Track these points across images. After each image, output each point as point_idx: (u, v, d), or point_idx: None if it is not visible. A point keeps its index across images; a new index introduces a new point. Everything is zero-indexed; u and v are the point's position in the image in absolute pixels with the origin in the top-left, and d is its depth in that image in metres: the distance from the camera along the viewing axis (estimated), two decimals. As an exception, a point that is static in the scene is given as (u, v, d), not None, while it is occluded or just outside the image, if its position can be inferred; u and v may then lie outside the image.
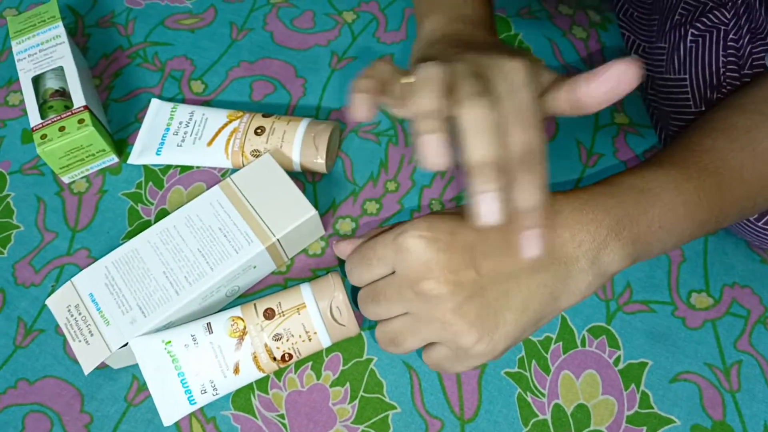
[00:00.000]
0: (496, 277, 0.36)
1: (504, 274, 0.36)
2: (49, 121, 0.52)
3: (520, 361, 0.45)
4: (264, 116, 0.53)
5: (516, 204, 0.34)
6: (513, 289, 0.37)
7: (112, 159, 0.55)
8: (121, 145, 0.56)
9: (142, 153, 0.55)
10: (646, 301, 0.47)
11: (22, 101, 0.59)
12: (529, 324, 0.37)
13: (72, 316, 0.46)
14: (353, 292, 0.48)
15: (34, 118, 0.52)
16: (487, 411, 0.44)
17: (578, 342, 0.46)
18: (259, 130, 0.53)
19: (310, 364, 0.46)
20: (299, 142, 0.52)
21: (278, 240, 0.47)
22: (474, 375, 0.45)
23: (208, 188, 0.53)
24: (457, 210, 0.40)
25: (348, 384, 0.46)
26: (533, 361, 0.45)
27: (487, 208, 0.33)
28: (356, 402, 0.45)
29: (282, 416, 0.45)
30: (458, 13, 0.44)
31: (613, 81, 0.34)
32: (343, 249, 0.45)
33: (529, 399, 0.44)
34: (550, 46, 0.59)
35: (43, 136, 0.51)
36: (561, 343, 0.46)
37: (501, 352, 0.37)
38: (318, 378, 0.46)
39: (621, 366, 0.45)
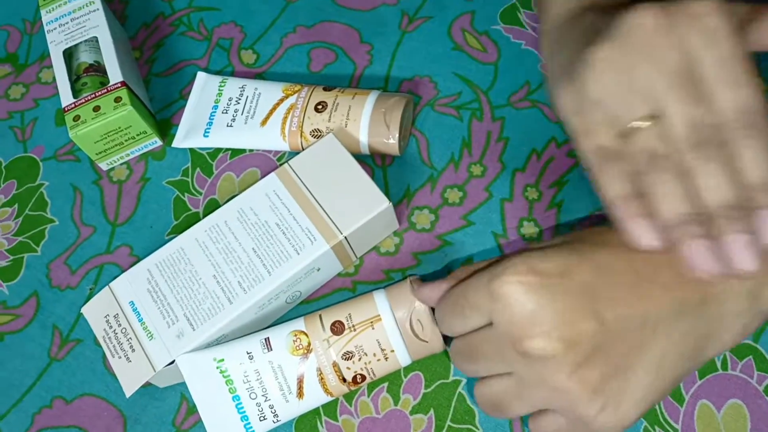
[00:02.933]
0: (624, 326, 0.28)
1: (636, 323, 0.28)
2: (83, 101, 0.45)
3: (645, 388, 0.37)
4: (325, 90, 0.46)
5: (741, 178, 0.27)
6: (647, 341, 0.28)
7: (155, 142, 0.48)
8: (165, 126, 0.49)
9: (188, 135, 0.48)
10: (802, 313, 0.38)
11: (55, 78, 0.52)
12: (666, 385, 0.29)
13: (111, 327, 0.40)
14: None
15: (65, 97, 0.46)
16: (605, 449, 0.36)
17: (718, 364, 0.37)
18: (320, 107, 0.45)
19: (385, 385, 0.39)
20: (367, 120, 0.44)
21: (346, 237, 0.40)
22: (587, 404, 0.37)
23: (262, 175, 0.46)
24: (563, 240, 0.31)
25: (432, 411, 0.38)
26: (662, 388, 0.37)
27: (646, 231, 0.29)
28: (443, 433, 0.38)
29: (354, 448, 0.38)
30: None
31: None
32: (428, 296, 0.36)
33: (658, 436, 0.36)
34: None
35: (76, 118, 0.45)
36: (696, 365, 0.37)
37: (632, 422, 0.29)
38: (396, 403, 0.39)
39: (774, 395, 0.36)
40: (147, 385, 0.40)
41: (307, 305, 0.42)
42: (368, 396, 0.39)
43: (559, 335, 0.27)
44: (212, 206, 0.45)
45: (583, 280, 0.28)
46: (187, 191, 0.47)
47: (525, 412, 0.31)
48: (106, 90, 0.46)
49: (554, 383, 0.28)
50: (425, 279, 0.40)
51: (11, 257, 0.46)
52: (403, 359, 0.38)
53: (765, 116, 0.27)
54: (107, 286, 0.41)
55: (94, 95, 0.45)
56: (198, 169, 0.47)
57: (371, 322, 0.37)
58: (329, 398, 0.38)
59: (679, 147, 0.27)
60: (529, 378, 0.29)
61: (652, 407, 0.29)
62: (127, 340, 0.39)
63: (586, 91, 0.29)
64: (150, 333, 0.39)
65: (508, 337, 0.29)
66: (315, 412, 0.39)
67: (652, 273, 0.28)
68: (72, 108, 0.45)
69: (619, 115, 0.28)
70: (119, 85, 0.46)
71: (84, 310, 0.41)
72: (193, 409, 0.40)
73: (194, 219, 0.45)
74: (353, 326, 0.37)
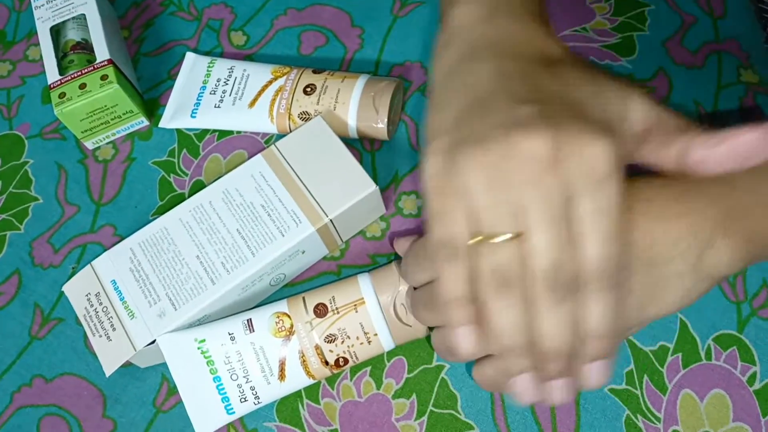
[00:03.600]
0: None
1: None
2: (69, 78, 0.45)
3: (629, 376, 0.37)
4: (314, 72, 0.45)
5: (583, 325, 0.27)
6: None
7: (142, 122, 0.48)
8: (152, 105, 0.49)
9: (175, 115, 0.47)
10: (787, 304, 0.38)
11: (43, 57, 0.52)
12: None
13: (92, 306, 0.39)
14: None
15: (52, 74, 0.45)
16: (586, 437, 0.36)
17: (702, 354, 0.37)
18: (308, 89, 0.44)
19: (368, 369, 0.39)
20: (356, 103, 0.43)
21: (331, 221, 0.39)
22: (570, 391, 0.37)
23: (249, 157, 0.45)
24: None
25: (414, 396, 0.38)
26: (645, 377, 0.37)
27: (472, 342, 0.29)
28: (425, 418, 0.37)
29: (335, 431, 0.38)
30: None
31: (745, 149, 0.26)
32: (402, 246, 0.38)
33: (640, 424, 0.36)
34: (659, -13, 0.48)
35: (62, 95, 0.44)
36: (680, 354, 0.37)
37: None
38: (378, 387, 0.38)
39: (757, 386, 0.36)
40: (128, 365, 0.40)
41: (291, 288, 0.42)
42: (351, 380, 0.39)
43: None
44: (198, 187, 0.45)
45: None
46: (173, 172, 0.46)
47: (474, 356, 0.31)
48: (92, 68, 0.45)
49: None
50: (411, 264, 0.40)
51: (-7, 235, 0.46)
52: (386, 343, 0.37)
53: (616, 275, 0.26)
54: (89, 265, 0.40)
55: (80, 73, 0.45)
56: (184, 150, 0.47)
57: (355, 305, 0.37)
58: (311, 381, 0.38)
59: (535, 280, 0.26)
60: None
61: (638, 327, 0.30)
62: (108, 319, 0.39)
63: (463, 176, 0.26)
64: (131, 312, 0.38)
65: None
66: (297, 395, 0.39)
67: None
68: (58, 85, 0.45)
69: (484, 218, 0.26)
70: (106, 63, 0.45)
71: (65, 288, 0.40)
72: (173, 390, 0.40)
73: (179, 200, 0.45)
74: (336, 309, 0.37)
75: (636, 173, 0.29)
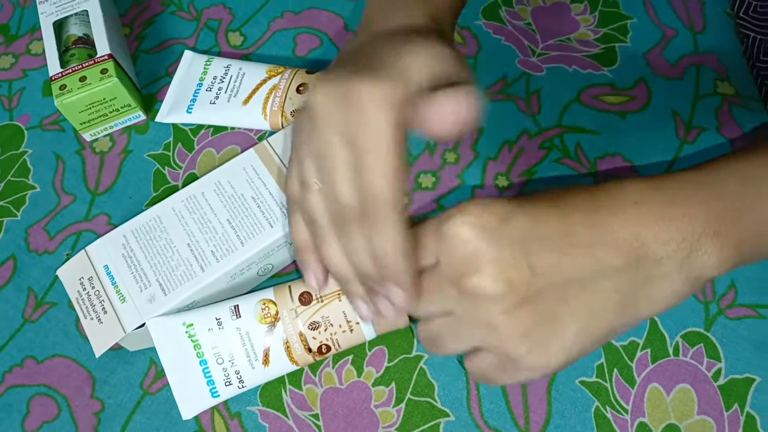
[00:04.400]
0: (555, 278, 0.30)
1: (565, 276, 0.30)
2: (70, 71, 0.46)
3: (599, 369, 0.38)
4: (308, 72, 0.47)
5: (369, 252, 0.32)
6: (576, 294, 0.30)
7: (139, 116, 0.49)
8: (150, 101, 0.50)
9: (172, 110, 0.49)
10: (753, 305, 0.39)
11: (45, 50, 0.53)
12: (594, 337, 0.30)
13: (84, 290, 0.40)
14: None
15: (53, 66, 0.47)
16: (557, 426, 0.37)
17: (670, 350, 0.38)
18: (301, 88, 0.46)
19: (350, 357, 0.40)
20: (347, 103, 0.45)
21: (319, 213, 0.41)
22: (543, 383, 0.38)
23: (242, 152, 0.47)
24: (522, 196, 0.33)
25: (393, 384, 0.39)
26: (615, 370, 0.38)
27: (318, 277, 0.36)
28: (402, 405, 0.39)
29: (316, 416, 0.39)
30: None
31: (448, 109, 0.30)
32: None
33: (608, 415, 0.37)
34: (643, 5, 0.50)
35: (63, 87, 0.46)
36: (649, 350, 0.38)
37: (556, 368, 0.30)
38: (359, 375, 0.40)
39: (721, 381, 0.37)
40: (117, 348, 0.41)
41: (278, 279, 0.43)
42: (332, 367, 0.40)
43: (495, 276, 0.29)
44: (191, 180, 0.46)
45: (519, 228, 0.30)
46: (168, 165, 0.48)
47: (459, 349, 0.33)
48: (93, 62, 0.47)
49: (490, 320, 0.29)
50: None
51: (-9, 221, 0.47)
52: (368, 332, 0.39)
53: (385, 203, 0.30)
54: (83, 250, 0.41)
55: (81, 66, 0.46)
56: (179, 144, 0.48)
57: (339, 294, 0.38)
58: (295, 367, 0.39)
59: (331, 215, 0.32)
60: (467, 315, 0.30)
61: (581, 356, 0.30)
62: (100, 302, 0.40)
63: (294, 138, 0.34)
64: (123, 296, 0.40)
65: (451, 274, 0.30)
66: (280, 381, 0.40)
67: (582, 232, 0.30)
68: (59, 77, 0.46)
69: (301, 171, 0.33)
70: (106, 57, 0.47)
71: (59, 272, 0.41)
72: (161, 374, 0.41)
73: (173, 191, 0.46)
74: (320, 298, 0.39)
75: (625, 176, 0.31)
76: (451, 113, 0.29)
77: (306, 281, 0.36)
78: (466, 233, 0.30)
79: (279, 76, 0.47)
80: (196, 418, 0.40)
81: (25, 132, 0.50)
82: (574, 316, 0.29)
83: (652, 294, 0.30)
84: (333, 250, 0.33)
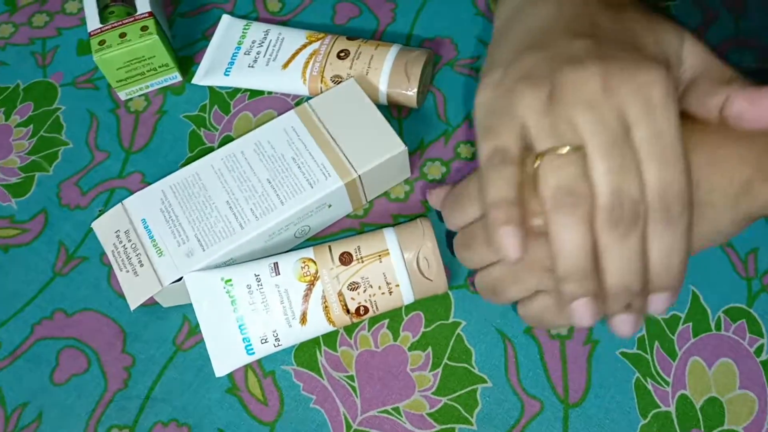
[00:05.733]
0: None
1: None
2: (109, 27, 0.46)
3: (640, 342, 0.38)
4: (349, 39, 0.47)
5: (648, 259, 0.27)
6: None
7: (175, 77, 0.49)
8: (186, 63, 0.50)
9: (209, 73, 0.48)
10: (795, 284, 0.39)
11: (80, 9, 0.53)
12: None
13: (120, 242, 0.40)
14: (448, 241, 0.41)
15: (92, 22, 0.46)
16: (597, 396, 0.37)
17: (712, 325, 0.38)
18: (342, 54, 0.46)
19: (386, 321, 0.40)
20: (388, 70, 0.45)
21: (360, 177, 0.41)
22: (583, 353, 0.38)
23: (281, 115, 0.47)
24: None
25: (430, 348, 0.39)
26: (656, 343, 0.38)
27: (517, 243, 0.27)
28: (439, 370, 0.38)
29: (351, 378, 0.38)
30: None
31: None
32: (438, 197, 0.39)
33: (649, 386, 0.37)
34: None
35: (102, 42, 0.45)
36: (691, 324, 0.38)
37: None
38: (395, 339, 0.39)
39: (764, 357, 0.37)
40: (150, 304, 0.41)
41: (314, 241, 0.43)
42: (369, 330, 0.40)
43: None
44: (227, 142, 0.46)
45: None
46: (204, 126, 0.47)
47: (518, 295, 0.32)
48: (133, 19, 0.46)
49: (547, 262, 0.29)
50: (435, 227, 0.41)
51: (23, 175, 0.46)
52: (407, 296, 0.38)
53: (684, 201, 0.26)
54: (120, 203, 0.41)
55: (120, 23, 0.46)
56: (216, 107, 0.48)
57: (379, 256, 0.38)
58: (331, 328, 0.38)
59: (597, 209, 0.26)
60: (526, 260, 0.30)
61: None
62: (137, 255, 0.39)
63: (511, 106, 0.28)
64: (160, 250, 0.39)
65: None
66: (315, 341, 0.40)
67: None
68: (98, 33, 0.46)
69: (538, 138, 0.27)
70: (146, 15, 0.46)
71: (94, 224, 0.41)
72: (194, 330, 0.40)
73: (209, 152, 0.46)
74: (361, 258, 0.38)
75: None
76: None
77: (501, 245, 0.28)
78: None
79: (319, 42, 0.47)
80: (230, 375, 0.39)
81: (59, 89, 0.50)
82: None
83: (701, 227, 0.29)
84: (575, 234, 0.27)
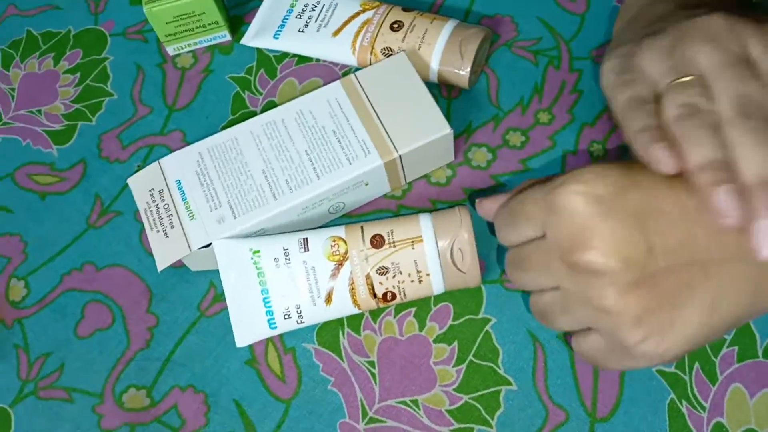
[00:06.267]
0: (673, 260, 0.27)
1: (683, 259, 0.27)
2: (162, -21, 0.45)
3: (679, 361, 0.36)
4: (404, 10, 0.44)
5: (742, 171, 0.26)
6: (699, 280, 0.27)
7: (224, 36, 0.48)
8: (236, 23, 0.49)
9: (258, 34, 0.47)
10: None
11: (136, -42, 0.52)
12: (718, 328, 0.28)
13: (154, 201, 0.39)
14: (490, 230, 0.40)
15: (146, -27, 0.45)
16: (626, 413, 0.35)
17: (759, 352, 0.36)
18: (395, 25, 0.44)
19: (413, 310, 0.38)
20: (442, 46, 0.42)
21: (400, 157, 0.39)
22: (616, 364, 0.36)
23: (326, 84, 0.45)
24: (628, 163, 0.30)
25: (456, 343, 0.37)
26: (696, 364, 0.36)
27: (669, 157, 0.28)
28: (463, 366, 0.37)
29: (372, 363, 0.37)
30: None
31: None
32: (488, 208, 0.36)
33: (684, 409, 0.35)
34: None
35: (153, -6, 0.44)
36: (736, 348, 0.36)
37: (673, 358, 0.28)
38: (421, 329, 0.38)
39: (813, 393, 0.35)
40: (178, 266, 0.40)
41: (347, 219, 0.42)
42: (394, 317, 0.38)
43: (615, 252, 0.26)
44: (270, 107, 0.45)
45: (636, 202, 0.27)
46: (248, 89, 0.46)
47: (569, 326, 0.31)
48: (185, -27, 0.45)
49: (601, 301, 0.27)
50: (473, 216, 0.39)
51: (66, 122, 0.46)
52: (437, 286, 0.37)
53: None
54: (157, 162, 0.40)
55: (172, -24, 0.45)
56: (262, 70, 0.47)
57: (412, 242, 0.37)
58: (356, 311, 0.37)
59: (723, 110, 0.27)
60: (576, 292, 0.28)
61: (699, 347, 0.28)
62: (168, 216, 0.39)
63: (639, 60, 0.31)
64: (192, 213, 0.39)
65: (560, 248, 0.28)
66: (338, 323, 0.39)
67: (697, 212, 0.27)
68: (150, -16, 0.45)
69: (662, 79, 0.30)
70: (200, -31, 0.45)
71: (130, 180, 0.41)
72: (219, 297, 0.40)
73: (250, 117, 0.45)
74: (393, 242, 0.37)
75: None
76: None
77: (655, 161, 0.28)
78: (579, 204, 0.27)
79: (373, 11, 0.45)
80: (250, 347, 0.39)
81: (108, 38, 0.49)
82: (697, 303, 0.27)
83: None
84: (702, 133, 0.27)
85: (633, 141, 0.30)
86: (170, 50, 0.48)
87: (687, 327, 0.27)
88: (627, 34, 0.36)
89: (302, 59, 0.46)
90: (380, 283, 0.37)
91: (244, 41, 0.47)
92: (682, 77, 0.29)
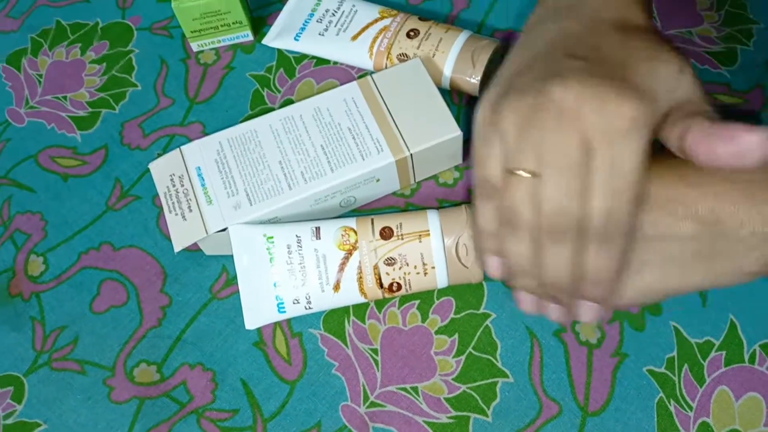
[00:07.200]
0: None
1: (642, 233, 0.29)
2: (191, -23, 0.47)
3: (669, 362, 0.37)
4: (420, 19, 0.47)
5: (583, 267, 0.29)
6: (649, 246, 0.30)
7: (247, 35, 0.50)
8: (259, 23, 0.51)
9: (280, 36, 0.49)
10: (841, 329, 0.38)
11: (166, -42, 0.54)
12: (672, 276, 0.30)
13: (174, 186, 0.41)
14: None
15: (176, -29, 0.48)
16: (617, 409, 0.37)
17: (746, 357, 0.37)
18: (412, 33, 0.46)
19: (417, 302, 0.40)
20: (455, 54, 0.44)
21: (411, 155, 0.41)
22: (609, 364, 0.38)
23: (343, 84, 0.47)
24: None
25: (456, 335, 0.39)
26: (685, 366, 0.37)
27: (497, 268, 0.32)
28: (462, 357, 0.38)
29: (375, 351, 0.39)
30: None
31: (741, 148, 0.26)
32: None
33: (672, 408, 0.36)
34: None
35: (182, -9, 0.46)
36: (724, 352, 0.37)
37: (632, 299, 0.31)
38: (423, 320, 0.40)
39: (796, 398, 0.36)
40: (194, 249, 0.42)
41: (357, 213, 0.43)
42: (399, 308, 0.40)
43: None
44: (288, 105, 0.46)
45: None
46: (267, 87, 0.48)
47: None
48: (214, -27, 0.47)
49: None
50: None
51: (90, 109, 0.48)
52: (441, 279, 0.39)
53: (622, 228, 0.27)
54: (178, 149, 0.42)
55: (202, -25, 0.47)
56: (282, 69, 0.49)
57: (419, 235, 0.38)
58: (362, 299, 0.39)
59: (542, 219, 0.28)
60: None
61: (652, 301, 0.31)
62: (187, 200, 0.41)
63: (501, 122, 0.28)
64: (210, 199, 0.40)
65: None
66: (344, 311, 0.40)
67: (660, 193, 0.29)
68: (180, -18, 0.47)
69: (512, 160, 0.28)
70: (228, -30, 0.47)
71: (151, 165, 0.42)
72: (231, 281, 0.42)
73: (269, 112, 0.47)
74: (401, 235, 0.38)
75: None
76: (738, 153, 0.26)
77: (485, 269, 0.33)
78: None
79: (391, 18, 0.47)
80: (259, 330, 0.40)
81: (135, 32, 0.51)
82: (648, 265, 0.30)
83: (740, 256, 0.29)
84: (523, 247, 0.29)
85: (476, 235, 0.32)
86: (194, 46, 0.50)
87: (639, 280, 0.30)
88: (513, 61, 0.32)
89: (320, 61, 0.48)
90: (387, 274, 0.38)
91: (265, 41, 0.49)
92: (519, 171, 0.28)
